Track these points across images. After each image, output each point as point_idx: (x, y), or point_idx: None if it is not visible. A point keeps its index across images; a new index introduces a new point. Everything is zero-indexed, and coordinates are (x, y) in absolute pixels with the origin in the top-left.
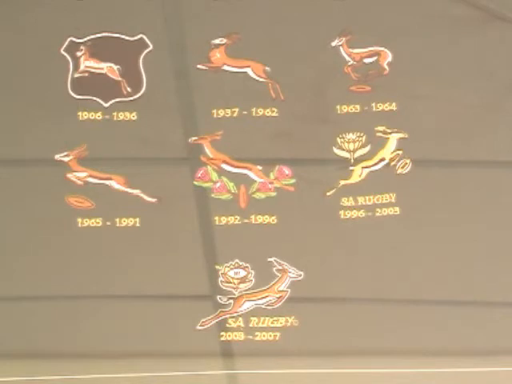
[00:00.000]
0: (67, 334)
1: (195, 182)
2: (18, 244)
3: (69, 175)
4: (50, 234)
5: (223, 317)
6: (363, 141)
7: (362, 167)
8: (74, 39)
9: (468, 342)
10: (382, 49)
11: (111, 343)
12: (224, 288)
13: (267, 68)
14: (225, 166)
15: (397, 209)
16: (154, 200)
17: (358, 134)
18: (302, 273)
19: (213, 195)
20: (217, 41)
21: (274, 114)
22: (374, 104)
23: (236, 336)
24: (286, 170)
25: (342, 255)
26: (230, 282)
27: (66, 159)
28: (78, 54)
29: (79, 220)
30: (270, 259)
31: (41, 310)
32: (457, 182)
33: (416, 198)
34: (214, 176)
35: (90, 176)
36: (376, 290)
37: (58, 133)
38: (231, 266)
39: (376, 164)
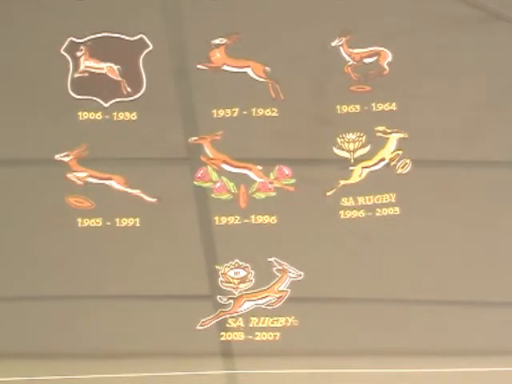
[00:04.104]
0: (67, 334)
1: (195, 182)
2: (18, 244)
3: (69, 175)
4: (50, 234)
5: (223, 317)
6: (363, 141)
7: (362, 167)
8: (74, 39)
9: (468, 342)
10: (381, 49)
11: (111, 343)
12: (224, 288)
13: (267, 68)
14: (225, 166)
15: (397, 209)
16: (154, 200)
17: (358, 134)
18: (301, 273)
19: (213, 195)
20: (217, 41)
21: (274, 114)
22: (374, 104)
23: (236, 336)
24: (286, 170)
25: (342, 255)
26: (230, 282)
27: (66, 159)
28: (78, 54)
29: (79, 220)
30: (270, 259)
31: (40, 310)
32: (457, 181)
33: (416, 198)
34: (214, 176)
35: (90, 176)
36: (376, 289)
37: (57, 133)
38: (231, 266)
39: (376, 164)
